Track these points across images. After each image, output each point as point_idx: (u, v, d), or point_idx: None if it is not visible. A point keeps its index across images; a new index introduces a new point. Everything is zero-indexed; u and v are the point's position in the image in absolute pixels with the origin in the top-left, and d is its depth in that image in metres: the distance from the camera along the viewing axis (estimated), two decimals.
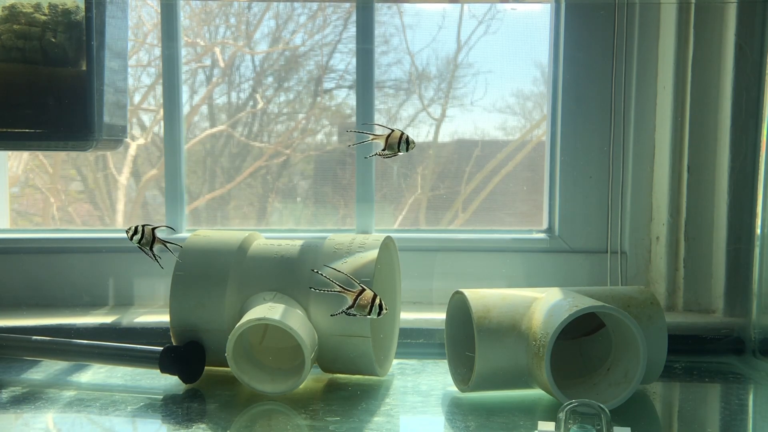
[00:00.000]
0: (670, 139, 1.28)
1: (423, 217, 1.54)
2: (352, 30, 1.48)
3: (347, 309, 0.89)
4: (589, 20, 1.31)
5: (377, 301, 0.89)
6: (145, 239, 0.94)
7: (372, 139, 0.96)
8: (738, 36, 1.21)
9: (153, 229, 0.95)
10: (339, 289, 0.90)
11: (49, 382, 1.08)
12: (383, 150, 0.95)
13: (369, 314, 0.89)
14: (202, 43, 1.57)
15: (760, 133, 1.21)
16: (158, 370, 1.04)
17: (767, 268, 1.18)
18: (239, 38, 1.58)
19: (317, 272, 0.98)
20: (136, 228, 0.94)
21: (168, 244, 0.96)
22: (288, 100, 1.56)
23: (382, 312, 0.89)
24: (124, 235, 0.95)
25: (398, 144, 0.94)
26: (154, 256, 0.95)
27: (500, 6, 1.44)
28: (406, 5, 1.47)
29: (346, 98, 1.54)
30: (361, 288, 0.89)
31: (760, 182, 1.20)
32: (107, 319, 1.27)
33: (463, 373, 1.03)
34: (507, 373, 0.97)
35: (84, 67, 1.12)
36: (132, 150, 1.60)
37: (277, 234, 1.40)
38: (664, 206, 1.30)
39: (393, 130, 0.94)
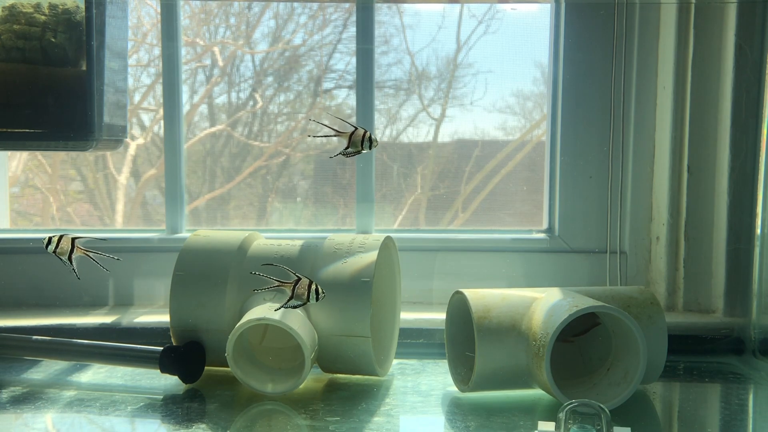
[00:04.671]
0: (670, 139, 1.28)
1: (423, 217, 1.54)
2: (352, 30, 1.48)
3: (287, 302, 0.93)
4: (589, 20, 1.31)
5: (314, 286, 0.92)
6: (60, 249, 0.94)
7: (335, 135, 0.96)
8: (738, 36, 1.21)
9: (73, 239, 0.95)
10: (276, 283, 0.93)
11: (49, 382, 1.08)
12: (346, 148, 0.95)
13: (308, 301, 0.93)
14: (201, 42, 1.57)
15: (760, 133, 1.21)
16: (158, 370, 1.04)
17: (767, 268, 1.18)
18: (239, 38, 1.58)
19: (254, 273, 0.98)
20: (50, 238, 0.95)
21: (90, 254, 0.96)
22: (288, 100, 1.56)
23: (319, 297, 0.92)
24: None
25: (362, 142, 0.94)
26: (71, 265, 0.95)
27: (500, 6, 1.44)
28: (406, 5, 1.47)
29: (346, 98, 1.54)
30: (296, 278, 0.93)
31: (760, 182, 1.20)
32: (107, 319, 1.27)
33: (463, 373, 1.03)
34: (507, 373, 0.97)
35: (84, 67, 1.12)
36: (132, 150, 1.60)
37: (277, 234, 1.40)
38: (664, 206, 1.30)
39: (356, 128, 0.95)
